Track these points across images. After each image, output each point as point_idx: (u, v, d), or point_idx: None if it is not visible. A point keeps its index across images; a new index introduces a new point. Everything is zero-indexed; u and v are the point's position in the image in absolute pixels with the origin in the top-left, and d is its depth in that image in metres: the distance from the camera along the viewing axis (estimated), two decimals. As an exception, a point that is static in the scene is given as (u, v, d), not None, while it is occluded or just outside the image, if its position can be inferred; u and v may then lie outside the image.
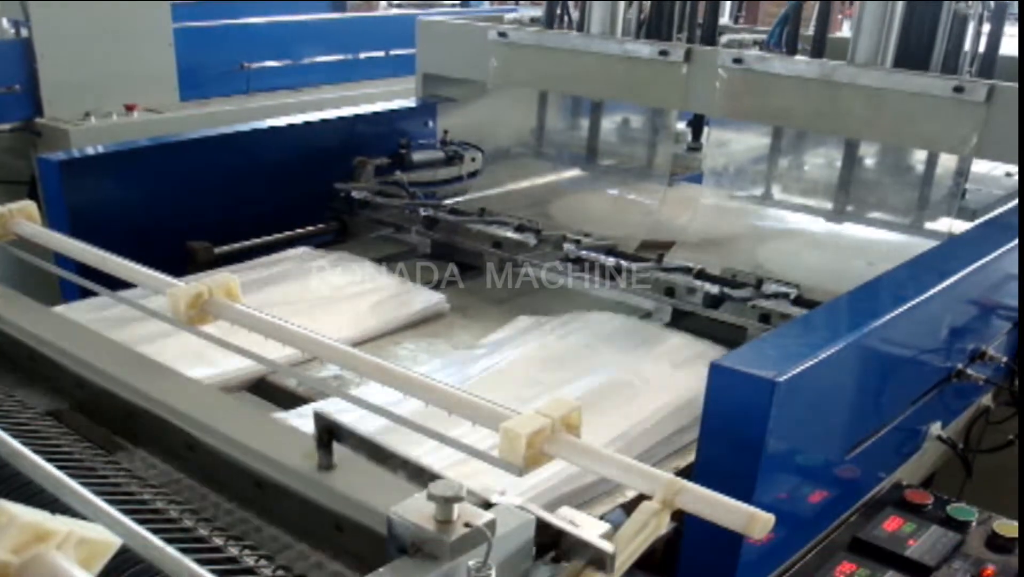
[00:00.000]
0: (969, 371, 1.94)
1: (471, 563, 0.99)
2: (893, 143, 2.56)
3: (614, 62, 2.79)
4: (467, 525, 0.99)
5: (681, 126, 3.58)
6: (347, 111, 3.19)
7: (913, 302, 1.68)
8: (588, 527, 1.17)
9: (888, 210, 2.67)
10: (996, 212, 2.38)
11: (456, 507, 1.00)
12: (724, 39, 2.96)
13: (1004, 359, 2.02)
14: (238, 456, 1.43)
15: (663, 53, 2.68)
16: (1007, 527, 1.72)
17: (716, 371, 1.40)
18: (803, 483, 1.57)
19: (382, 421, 1.42)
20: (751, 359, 1.44)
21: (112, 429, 1.59)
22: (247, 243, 2.72)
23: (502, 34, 2.99)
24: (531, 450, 1.27)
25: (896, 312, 1.63)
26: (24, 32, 4.41)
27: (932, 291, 1.72)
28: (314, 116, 3.07)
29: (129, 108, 4.56)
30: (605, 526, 1.18)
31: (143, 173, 2.57)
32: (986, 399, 2.20)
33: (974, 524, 1.74)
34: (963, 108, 2.26)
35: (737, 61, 2.57)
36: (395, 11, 6.76)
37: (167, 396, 1.58)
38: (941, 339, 1.88)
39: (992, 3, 2.56)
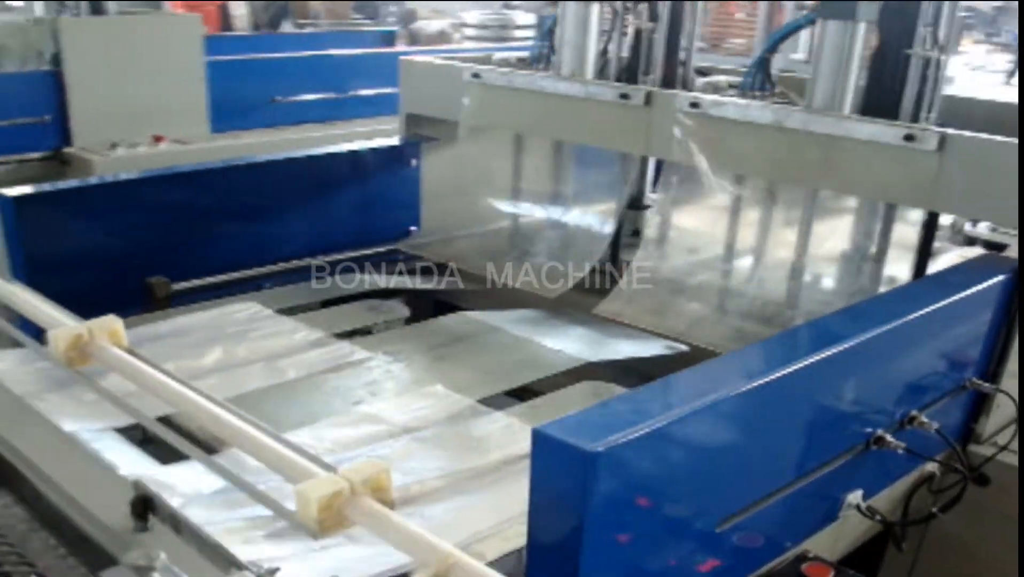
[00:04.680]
0: (889, 438, 1.83)
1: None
2: (848, 193, 2.45)
3: (579, 104, 2.75)
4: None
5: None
6: (324, 149, 3.20)
7: (804, 362, 1.59)
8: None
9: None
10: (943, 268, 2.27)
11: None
12: (701, 81, 2.89)
13: (936, 426, 1.90)
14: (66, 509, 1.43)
15: (624, 96, 2.63)
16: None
17: (538, 439, 1.34)
18: (654, 557, 1.49)
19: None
20: (579, 424, 1.37)
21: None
22: (208, 279, 2.75)
23: (475, 75, 2.97)
24: (327, 513, 1.24)
25: (778, 374, 1.54)
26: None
27: (833, 349, 1.63)
28: (289, 154, 3.09)
29: (157, 139, 4.67)
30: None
31: (100, 209, 2.60)
32: (931, 466, 2.07)
33: (870, 604, 1.64)
34: (914, 157, 2.16)
35: (694, 105, 2.51)
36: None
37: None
38: (850, 401, 1.77)
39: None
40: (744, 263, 2.73)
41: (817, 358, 1.61)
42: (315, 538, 1.23)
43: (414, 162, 3.31)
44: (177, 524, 1.30)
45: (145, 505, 1.33)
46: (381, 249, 3.22)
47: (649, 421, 1.37)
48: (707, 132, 2.52)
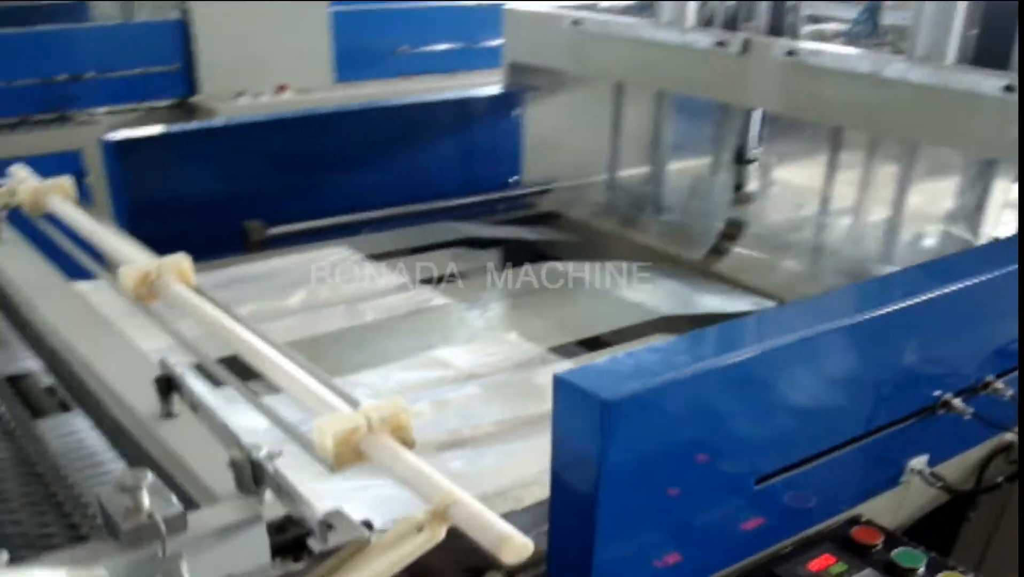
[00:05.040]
0: (957, 403, 1.74)
1: (162, 554, 0.99)
2: (946, 147, 2.32)
3: (676, 52, 2.68)
4: (150, 517, 0.99)
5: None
6: (425, 97, 3.22)
7: (866, 316, 1.52)
8: (344, 531, 1.15)
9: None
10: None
11: (142, 497, 1.00)
12: (808, 28, 2.77)
13: (1011, 393, 1.80)
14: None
15: (720, 44, 2.56)
16: (952, 581, 1.55)
17: (560, 386, 1.33)
18: (681, 512, 1.45)
19: None
20: (605, 372, 1.35)
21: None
22: (304, 224, 2.81)
23: (575, 22, 2.93)
24: (344, 448, 1.26)
25: (833, 325, 1.48)
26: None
27: (902, 304, 1.55)
28: (390, 101, 3.12)
29: (281, 88, 4.78)
30: (363, 532, 1.15)
31: (200, 154, 2.69)
32: (1009, 435, 1.96)
33: (919, 573, 1.57)
34: (1015, 109, 2.03)
35: (790, 53, 2.41)
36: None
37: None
38: (917, 361, 1.68)
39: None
40: (841, 220, 2.63)
41: (881, 312, 1.53)
42: (331, 472, 1.24)
43: (517, 111, 3.30)
44: (198, 406, 1.34)
45: (170, 385, 1.38)
46: (481, 198, 3.23)
47: (679, 370, 1.34)
48: (804, 81, 2.43)
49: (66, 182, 2.21)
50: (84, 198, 2.51)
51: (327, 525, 1.17)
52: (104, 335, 1.77)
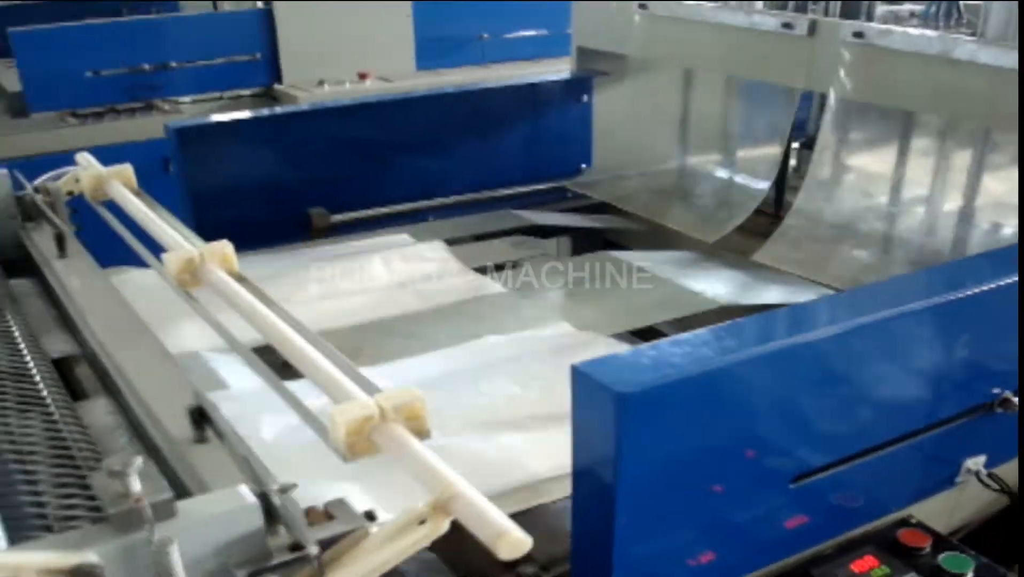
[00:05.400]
0: (1016, 400, 1.65)
1: (156, 538, 1.00)
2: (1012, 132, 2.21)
3: (742, 35, 2.61)
4: (138, 501, 1.00)
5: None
6: (492, 83, 3.20)
7: (909, 307, 1.45)
8: (344, 521, 1.15)
9: None
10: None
11: (131, 481, 1.00)
12: (883, 9, 2.67)
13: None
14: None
15: (787, 26, 2.48)
16: (1002, 587, 1.48)
17: (577, 376, 1.30)
18: (709, 509, 1.41)
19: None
20: (626, 363, 1.31)
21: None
22: (367, 212, 2.83)
23: (642, 5, 2.88)
24: (357, 437, 1.25)
25: (876, 318, 1.42)
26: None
27: (953, 295, 1.48)
28: (454, 88, 3.11)
29: (362, 76, 4.82)
30: (362, 523, 1.14)
31: (264, 141, 2.71)
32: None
33: (967, 578, 1.50)
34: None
35: (858, 35, 2.32)
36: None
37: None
38: (973, 355, 1.60)
39: None
40: (912, 209, 2.53)
41: (941, 300, 1.47)
42: (345, 461, 1.24)
43: (585, 97, 3.26)
44: (224, 436, 1.35)
45: (202, 416, 1.40)
46: (547, 186, 3.20)
47: (703, 363, 1.30)
48: (872, 64, 2.34)
49: (127, 170, 2.26)
50: (170, 186, 2.57)
51: (328, 515, 1.16)
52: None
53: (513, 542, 1.05)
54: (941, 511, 1.70)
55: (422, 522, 1.12)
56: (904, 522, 1.61)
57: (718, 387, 1.33)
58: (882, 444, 1.54)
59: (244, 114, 2.80)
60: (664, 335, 2.25)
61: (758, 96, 2.96)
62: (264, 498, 1.13)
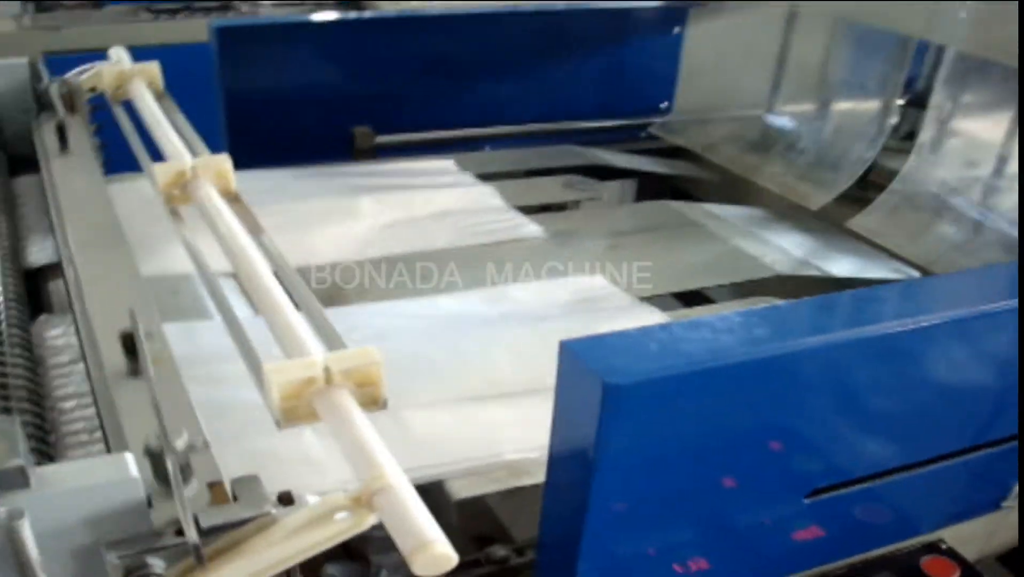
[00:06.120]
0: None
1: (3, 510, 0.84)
2: None
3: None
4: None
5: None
6: (573, 5, 2.93)
7: (970, 310, 1.21)
8: (246, 505, 0.97)
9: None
10: None
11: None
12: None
13: None
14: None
15: (905, -34, 2.19)
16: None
17: (566, 353, 1.09)
18: (710, 521, 1.21)
19: None
20: (622, 345, 1.10)
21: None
22: (416, 135, 2.63)
23: (743, -69, 2.60)
24: (296, 401, 1.08)
25: (908, 326, 1.18)
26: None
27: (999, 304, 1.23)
28: (527, 6, 2.86)
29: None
30: (265, 509, 0.97)
31: (309, 50, 2.52)
32: None
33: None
34: None
35: (983, -18, 2.04)
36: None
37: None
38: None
39: None
40: (1015, 185, 2.24)
41: (967, 312, 1.21)
42: (279, 428, 1.06)
43: (677, 29, 2.98)
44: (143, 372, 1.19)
45: (133, 342, 1.24)
46: (622, 123, 2.96)
47: (720, 355, 1.07)
48: (995, 16, 2.05)
49: (152, 68, 2.11)
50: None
51: (234, 495, 0.99)
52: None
53: (435, 557, 0.86)
54: (981, 533, 1.47)
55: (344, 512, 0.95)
56: (933, 547, 1.39)
57: (732, 386, 1.11)
58: (924, 461, 1.31)
59: (293, 18, 2.61)
60: (708, 302, 2.04)
61: (867, 46, 2.67)
62: (158, 461, 0.96)
